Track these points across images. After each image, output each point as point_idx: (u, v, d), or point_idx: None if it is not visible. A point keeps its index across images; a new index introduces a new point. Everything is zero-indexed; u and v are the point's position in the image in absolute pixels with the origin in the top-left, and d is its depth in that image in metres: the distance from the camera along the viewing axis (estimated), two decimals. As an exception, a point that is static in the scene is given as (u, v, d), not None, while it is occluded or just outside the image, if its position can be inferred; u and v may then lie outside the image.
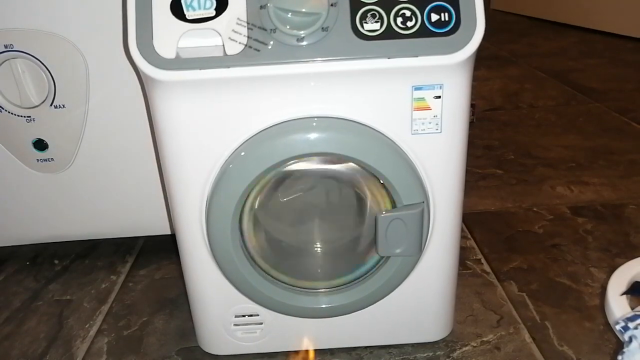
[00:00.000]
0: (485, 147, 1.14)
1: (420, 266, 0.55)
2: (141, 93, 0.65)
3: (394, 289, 0.55)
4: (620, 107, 1.33)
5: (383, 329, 0.59)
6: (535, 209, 0.88)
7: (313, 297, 0.55)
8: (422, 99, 0.47)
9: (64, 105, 0.66)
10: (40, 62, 0.63)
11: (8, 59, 0.63)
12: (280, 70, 0.45)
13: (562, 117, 1.29)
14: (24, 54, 0.63)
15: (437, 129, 0.48)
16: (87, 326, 0.67)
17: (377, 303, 0.56)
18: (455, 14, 0.45)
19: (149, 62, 0.45)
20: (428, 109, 0.48)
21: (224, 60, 0.45)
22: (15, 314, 0.71)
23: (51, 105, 0.65)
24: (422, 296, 0.57)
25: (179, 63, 0.45)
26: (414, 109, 0.48)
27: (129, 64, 0.62)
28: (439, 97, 0.47)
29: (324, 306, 0.55)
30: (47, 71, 0.64)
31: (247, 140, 0.48)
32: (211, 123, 0.48)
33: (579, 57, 1.85)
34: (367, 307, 0.56)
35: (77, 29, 0.62)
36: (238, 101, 0.47)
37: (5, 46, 0.62)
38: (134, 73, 0.63)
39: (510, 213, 0.88)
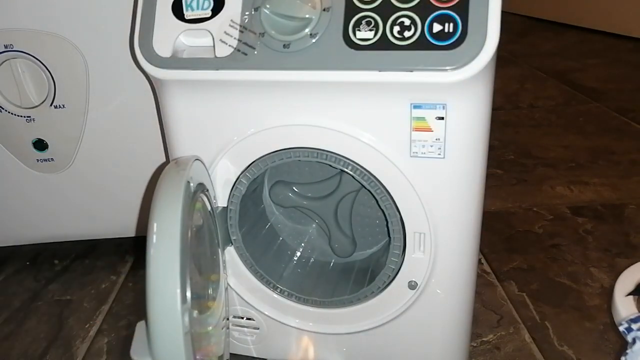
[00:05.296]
0: (485, 147, 1.14)
1: (428, 299, 0.50)
2: (141, 92, 0.65)
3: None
4: (620, 107, 1.33)
5: (389, 350, 0.55)
6: (535, 209, 0.88)
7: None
8: (423, 118, 0.42)
9: (64, 105, 0.66)
10: (40, 62, 0.63)
11: (8, 59, 0.63)
12: (264, 76, 0.43)
13: (562, 117, 1.29)
14: (24, 54, 0.63)
15: (439, 154, 0.43)
16: (87, 326, 0.67)
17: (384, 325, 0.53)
18: (462, 25, 0.39)
19: (147, 61, 0.46)
20: (429, 130, 0.43)
21: (213, 62, 0.44)
22: (15, 314, 0.71)
23: (51, 105, 0.65)
24: (429, 331, 0.52)
25: (174, 62, 0.45)
26: (413, 129, 0.43)
27: (129, 63, 0.62)
28: (442, 118, 0.42)
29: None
30: (47, 71, 0.64)
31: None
32: (205, 124, 0.48)
33: (579, 57, 1.85)
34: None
35: (77, 29, 0.62)
36: (229, 104, 0.47)
37: (5, 46, 0.62)
38: (135, 73, 0.63)
39: (510, 213, 0.88)
